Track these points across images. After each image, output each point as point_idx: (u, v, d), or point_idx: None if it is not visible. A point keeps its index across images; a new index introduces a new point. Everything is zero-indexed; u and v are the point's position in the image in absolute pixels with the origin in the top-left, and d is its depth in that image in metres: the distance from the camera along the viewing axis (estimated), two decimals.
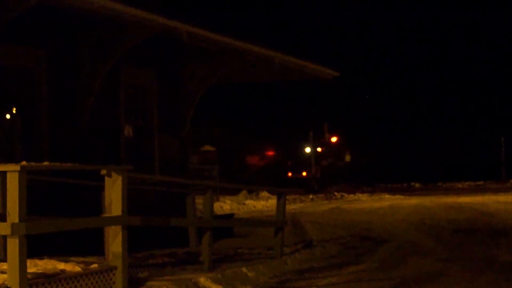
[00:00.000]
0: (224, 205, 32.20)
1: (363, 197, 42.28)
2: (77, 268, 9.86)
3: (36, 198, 9.60)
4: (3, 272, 9.22)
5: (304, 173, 62.02)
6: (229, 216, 21.40)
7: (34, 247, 9.06)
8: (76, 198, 13.76)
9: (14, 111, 13.91)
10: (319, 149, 62.71)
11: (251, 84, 30.09)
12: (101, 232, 10.62)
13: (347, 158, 64.94)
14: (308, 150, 62.66)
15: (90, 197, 12.85)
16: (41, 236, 8.98)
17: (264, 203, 34.93)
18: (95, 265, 10.16)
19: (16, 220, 8.37)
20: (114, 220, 10.00)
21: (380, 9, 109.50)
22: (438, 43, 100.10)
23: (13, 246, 8.40)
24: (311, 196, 41.85)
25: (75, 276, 9.48)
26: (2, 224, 8.54)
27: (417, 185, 59.87)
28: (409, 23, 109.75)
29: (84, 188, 13.22)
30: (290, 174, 62.96)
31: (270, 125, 72.26)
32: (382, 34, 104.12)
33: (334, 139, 67.41)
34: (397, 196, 41.91)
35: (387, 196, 42.92)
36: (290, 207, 30.87)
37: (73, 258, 10.77)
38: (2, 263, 9.70)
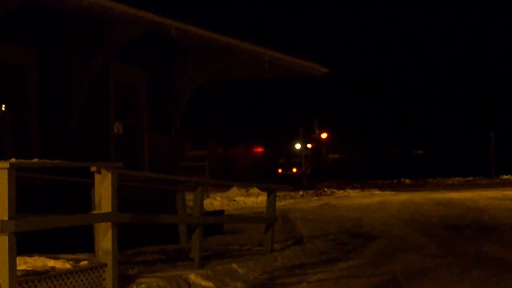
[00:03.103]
0: (214, 202, 32.20)
1: (353, 193, 42.33)
2: (67, 265, 9.85)
3: (25, 196, 9.59)
4: None
5: (294, 170, 62.06)
6: (219, 213, 21.43)
7: (23, 244, 9.05)
8: (66, 195, 13.75)
9: (3, 109, 13.88)
10: (309, 146, 62.72)
11: (241, 81, 30.09)
12: (91, 229, 10.62)
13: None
14: (298, 146, 62.70)
15: (80, 194, 12.85)
16: (31, 233, 8.98)
17: (254, 200, 34.95)
18: (85, 262, 10.15)
19: (5, 218, 8.36)
20: (103, 217, 10.00)
21: (370, 5, 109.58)
22: (428, 39, 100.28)
23: (2, 244, 8.39)
24: (301, 193, 41.86)
25: (65, 273, 9.48)
26: None
27: (407, 181, 59.95)
28: (397, 19, 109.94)
29: (74, 185, 13.22)
30: (280, 170, 62.99)
31: (260, 121, 72.29)
32: (371, 30, 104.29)
33: (324, 135, 67.48)
34: (387, 192, 41.97)
35: (377, 192, 42.97)
36: (280, 203, 30.90)
37: (63, 255, 10.76)
38: None
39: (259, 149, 68.32)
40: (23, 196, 9.09)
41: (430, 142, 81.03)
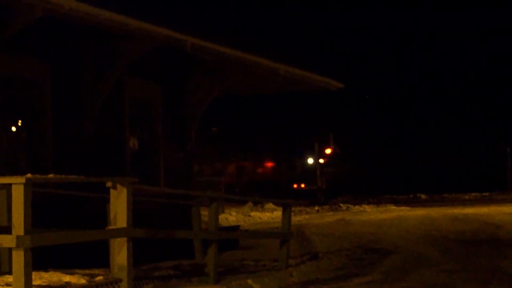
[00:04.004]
0: (230, 217, 32.15)
1: (369, 208, 42.16)
2: (82, 281, 9.86)
3: (41, 211, 9.60)
4: (8, 284, 9.23)
5: (309, 185, 61.94)
6: (235, 228, 21.38)
7: (39, 259, 9.05)
8: (81, 210, 13.77)
9: (19, 123, 13.93)
10: (321, 160, 62.62)
11: (255, 95, 30.12)
12: (106, 244, 10.62)
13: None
14: (313, 161, 62.62)
15: (95, 209, 12.86)
16: (46, 248, 8.98)
17: (269, 215, 34.87)
18: (100, 278, 10.16)
19: (21, 233, 8.37)
20: (119, 232, 10.00)
21: (384, 20, 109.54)
22: (443, 53, 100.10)
23: (18, 259, 8.40)
24: (316, 208, 41.75)
25: None
26: (7, 236, 8.55)
27: (423, 196, 59.67)
28: (412, 33, 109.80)
29: (89, 200, 13.23)
30: (295, 185, 62.88)
31: (275, 136, 72.24)
32: (385, 44, 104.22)
33: (338, 151, 67.37)
34: (402, 208, 41.78)
35: (393, 207, 42.79)
36: (296, 218, 30.82)
37: (78, 270, 10.77)
38: (8, 276, 9.70)
39: (273, 164, 68.25)
40: (39, 211, 9.10)
41: (446, 157, 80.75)
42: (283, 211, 15.11)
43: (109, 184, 10.12)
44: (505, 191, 61.97)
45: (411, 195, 60.14)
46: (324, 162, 62.41)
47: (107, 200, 10.48)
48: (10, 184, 8.62)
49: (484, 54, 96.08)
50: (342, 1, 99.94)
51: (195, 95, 18.06)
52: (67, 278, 9.93)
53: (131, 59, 14.78)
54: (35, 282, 9.15)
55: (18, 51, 13.20)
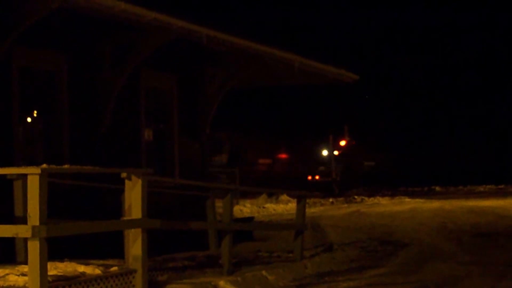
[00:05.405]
0: (244, 209, 32.20)
1: (383, 200, 42.11)
2: (97, 271, 9.90)
3: (57, 201, 9.64)
4: (24, 274, 9.28)
5: (324, 177, 61.90)
6: (249, 220, 21.41)
7: (54, 249, 9.10)
8: (96, 201, 13.81)
9: (35, 115, 13.98)
10: (336, 152, 62.55)
11: (270, 88, 30.07)
12: (121, 235, 10.66)
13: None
14: (327, 153, 62.58)
15: (110, 200, 12.91)
16: (62, 239, 9.02)
17: (284, 207, 34.90)
18: (115, 268, 10.19)
19: (37, 223, 8.41)
20: (134, 223, 10.03)
21: (400, 12, 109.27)
22: (458, 45, 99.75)
23: (33, 249, 8.44)
24: (331, 200, 41.75)
25: (95, 279, 9.51)
26: (23, 226, 8.59)
27: (438, 188, 59.49)
28: (428, 25, 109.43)
29: (104, 191, 13.27)
30: (309, 177, 62.87)
31: (290, 128, 72.26)
32: (401, 37, 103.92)
33: (353, 143, 67.28)
34: (417, 200, 41.70)
35: (407, 199, 42.71)
36: (310, 210, 30.83)
37: (93, 261, 10.81)
38: (23, 266, 9.75)
39: (287, 156, 68.28)
40: (54, 202, 9.14)
41: (461, 149, 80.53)
42: (298, 203, 15.12)
43: (124, 175, 10.14)
44: None
45: (426, 188, 59.95)
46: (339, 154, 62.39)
47: (122, 191, 10.51)
48: (26, 175, 8.65)
49: (503, 48, 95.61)
50: None
51: (210, 87, 18.08)
52: (82, 269, 9.97)
53: (147, 51, 14.80)
54: (51, 272, 9.20)
55: (35, 43, 13.24)
